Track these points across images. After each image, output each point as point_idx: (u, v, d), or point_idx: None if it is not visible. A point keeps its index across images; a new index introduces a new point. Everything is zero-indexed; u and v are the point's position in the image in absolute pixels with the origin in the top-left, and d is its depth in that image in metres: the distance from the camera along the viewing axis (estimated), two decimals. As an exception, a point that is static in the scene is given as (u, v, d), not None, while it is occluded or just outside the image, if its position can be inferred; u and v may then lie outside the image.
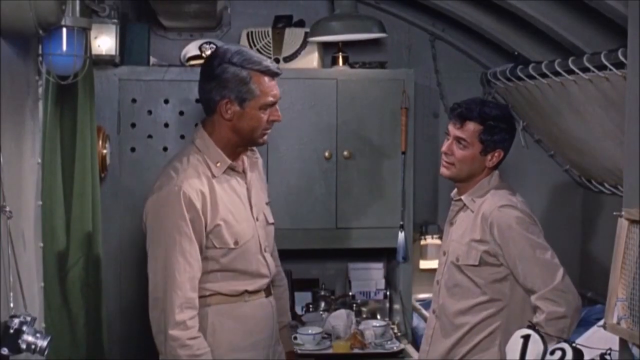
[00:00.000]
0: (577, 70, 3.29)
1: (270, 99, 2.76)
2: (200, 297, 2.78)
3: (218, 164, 2.79)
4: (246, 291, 2.83)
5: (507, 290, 2.95)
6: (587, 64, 3.17)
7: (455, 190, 3.11)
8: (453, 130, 3.00)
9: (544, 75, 3.65)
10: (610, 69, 3.03)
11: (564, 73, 3.43)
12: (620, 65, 2.95)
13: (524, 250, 2.87)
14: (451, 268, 3.02)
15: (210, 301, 2.80)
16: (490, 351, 2.96)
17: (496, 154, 3.00)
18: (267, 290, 2.91)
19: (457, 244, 3.01)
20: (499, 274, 2.94)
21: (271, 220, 2.96)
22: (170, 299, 2.69)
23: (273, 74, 2.77)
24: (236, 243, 2.79)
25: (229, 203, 2.79)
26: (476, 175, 3.03)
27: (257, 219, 2.87)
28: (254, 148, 2.96)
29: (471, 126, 2.97)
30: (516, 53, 3.93)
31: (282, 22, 4.15)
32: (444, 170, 3.05)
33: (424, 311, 4.22)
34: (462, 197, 3.03)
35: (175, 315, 2.67)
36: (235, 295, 2.82)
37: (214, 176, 2.78)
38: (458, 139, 2.99)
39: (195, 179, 2.74)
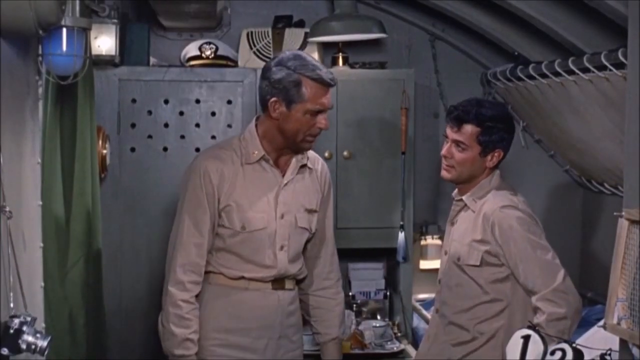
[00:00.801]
0: (577, 71, 3.29)
1: (317, 106, 2.86)
2: (206, 272, 2.93)
3: (254, 153, 2.91)
4: (243, 277, 2.92)
5: (509, 290, 2.94)
6: (587, 64, 3.17)
7: (457, 190, 3.10)
8: (451, 133, 2.99)
9: (544, 76, 3.64)
10: (610, 69, 3.03)
11: (564, 73, 3.43)
12: (620, 65, 2.95)
13: (525, 251, 2.87)
14: (452, 268, 3.01)
15: (212, 279, 2.94)
16: (493, 352, 2.95)
17: (496, 154, 2.98)
18: (278, 284, 2.96)
19: (458, 244, 3.01)
20: (500, 273, 2.93)
21: (304, 225, 2.98)
22: (175, 259, 2.88)
23: (325, 84, 2.86)
24: (243, 228, 2.89)
25: (249, 190, 2.90)
26: (477, 176, 3.02)
27: (282, 217, 2.93)
28: (312, 156, 3.03)
29: (469, 128, 2.95)
30: (516, 53, 3.93)
31: (282, 22, 4.15)
32: (444, 173, 3.04)
33: (424, 311, 4.22)
34: (463, 198, 3.02)
35: (177, 275, 2.87)
36: (234, 278, 2.92)
37: (246, 163, 2.91)
38: (456, 142, 2.97)
39: (222, 159, 2.92)
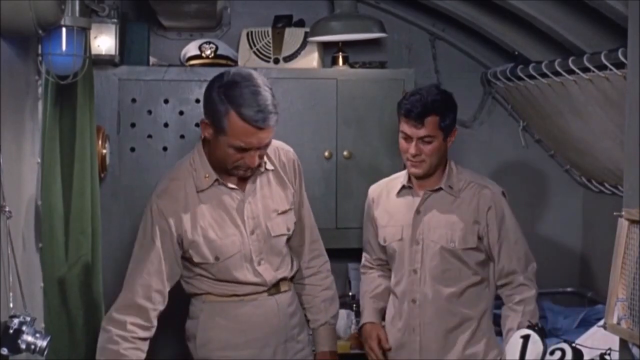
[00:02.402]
0: (577, 70, 3.29)
1: (241, 144, 2.64)
2: (194, 294, 2.86)
3: (206, 177, 2.77)
4: (235, 295, 2.83)
5: (489, 270, 3.12)
6: (587, 64, 3.17)
7: (409, 179, 3.14)
8: (415, 132, 3.01)
9: (544, 75, 3.64)
10: (610, 69, 3.03)
11: (564, 73, 3.42)
12: (620, 65, 2.94)
13: (515, 234, 3.08)
14: (440, 254, 3.06)
15: (205, 299, 2.85)
16: (491, 332, 3.12)
17: (454, 133, 3.09)
18: (274, 289, 2.88)
19: (445, 229, 3.06)
20: (483, 255, 3.09)
21: (278, 232, 2.87)
22: (119, 296, 2.74)
23: (253, 125, 2.61)
24: (217, 258, 2.78)
25: (212, 218, 2.77)
26: (442, 162, 3.10)
27: (253, 233, 2.81)
28: (270, 153, 2.86)
29: (430, 120, 3.00)
30: (516, 53, 3.92)
31: (282, 22, 4.14)
32: (415, 170, 3.08)
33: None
34: (442, 186, 3.09)
35: (114, 313, 2.71)
36: (226, 295, 2.84)
37: (201, 189, 2.77)
38: (422, 138, 3.01)
39: (174, 194, 2.75)
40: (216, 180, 2.78)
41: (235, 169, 2.73)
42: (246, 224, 2.81)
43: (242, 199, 2.81)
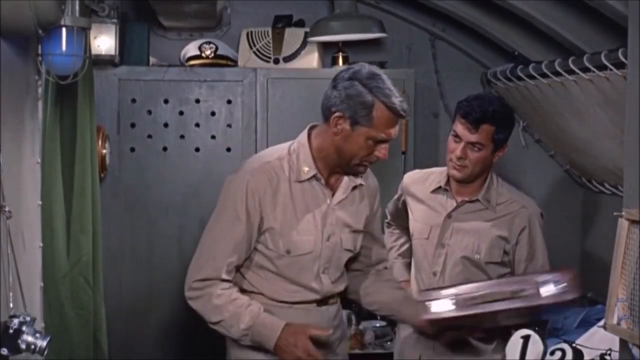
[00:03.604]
0: (577, 70, 3.29)
1: (382, 135, 2.64)
2: (243, 291, 2.76)
3: (305, 171, 2.72)
4: (284, 302, 2.76)
5: None
6: (587, 64, 3.17)
7: (447, 181, 3.09)
8: (467, 135, 2.95)
9: (544, 75, 3.64)
10: (611, 69, 3.03)
11: (564, 73, 3.42)
12: (620, 65, 2.94)
13: (543, 258, 3.06)
14: (463, 263, 3.04)
15: (253, 298, 2.74)
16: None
17: (503, 149, 3.04)
18: (322, 301, 2.81)
19: (473, 239, 3.03)
20: (508, 269, 3.07)
21: (348, 246, 2.83)
22: (203, 269, 2.68)
23: (398, 114, 2.65)
24: (287, 252, 2.72)
25: (298, 211, 2.72)
26: (484, 173, 3.05)
27: (328, 239, 2.76)
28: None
29: (486, 128, 2.94)
30: (516, 53, 3.92)
31: (282, 22, 4.15)
32: (456, 173, 3.01)
33: (424, 311, 4.21)
34: (480, 198, 3.05)
35: (200, 282, 2.67)
36: (276, 300, 2.76)
37: (295, 181, 2.72)
38: (472, 143, 2.95)
39: (269, 175, 2.70)
40: (314, 175, 2.74)
41: (359, 165, 2.72)
42: (325, 229, 2.76)
43: (330, 203, 2.77)
